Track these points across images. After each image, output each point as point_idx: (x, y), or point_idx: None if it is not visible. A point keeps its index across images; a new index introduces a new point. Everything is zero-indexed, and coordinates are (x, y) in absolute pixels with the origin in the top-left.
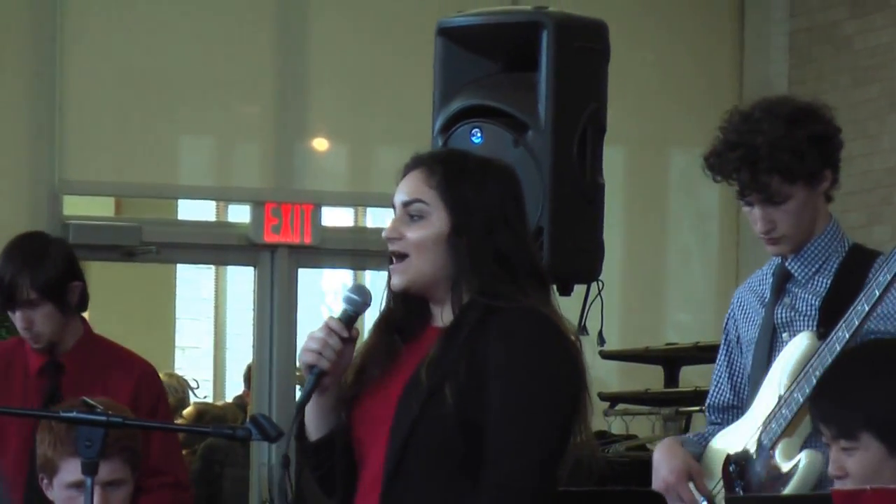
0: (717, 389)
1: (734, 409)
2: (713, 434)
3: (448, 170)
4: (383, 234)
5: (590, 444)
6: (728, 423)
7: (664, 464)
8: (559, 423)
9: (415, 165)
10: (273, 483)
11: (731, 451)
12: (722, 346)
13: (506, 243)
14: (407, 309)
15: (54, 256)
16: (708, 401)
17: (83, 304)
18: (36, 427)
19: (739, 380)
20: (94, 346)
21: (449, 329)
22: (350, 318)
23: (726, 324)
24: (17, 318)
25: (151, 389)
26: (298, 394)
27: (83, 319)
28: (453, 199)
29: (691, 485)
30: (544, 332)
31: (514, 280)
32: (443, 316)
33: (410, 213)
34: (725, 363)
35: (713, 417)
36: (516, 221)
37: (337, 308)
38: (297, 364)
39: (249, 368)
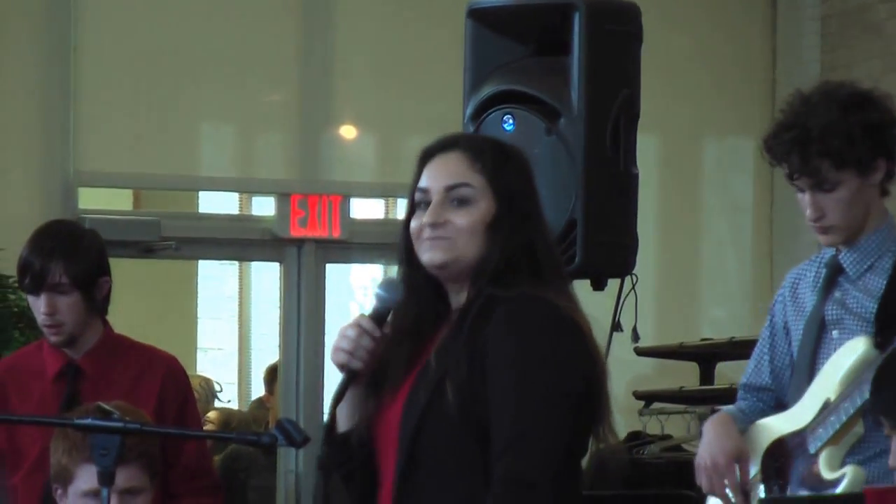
0: (756, 370)
1: (769, 392)
2: (755, 413)
3: (496, 155)
4: (424, 220)
5: (612, 443)
6: (762, 403)
7: (717, 443)
8: (569, 412)
9: (450, 148)
10: (309, 491)
11: (774, 442)
12: (767, 327)
13: (534, 233)
14: (420, 303)
15: (90, 246)
16: (744, 379)
17: (106, 303)
18: (50, 437)
19: (780, 364)
20: (114, 347)
21: (457, 319)
22: (381, 316)
23: (774, 306)
24: (41, 302)
25: (178, 386)
26: (328, 396)
27: (104, 321)
28: (502, 186)
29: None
30: (547, 318)
31: (535, 270)
32: (459, 301)
33: (455, 198)
34: (769, 345)
35: (746, 396)
36: (542, 212)
37: (368, 305)
38: (327, 363)
39: (269, 370)
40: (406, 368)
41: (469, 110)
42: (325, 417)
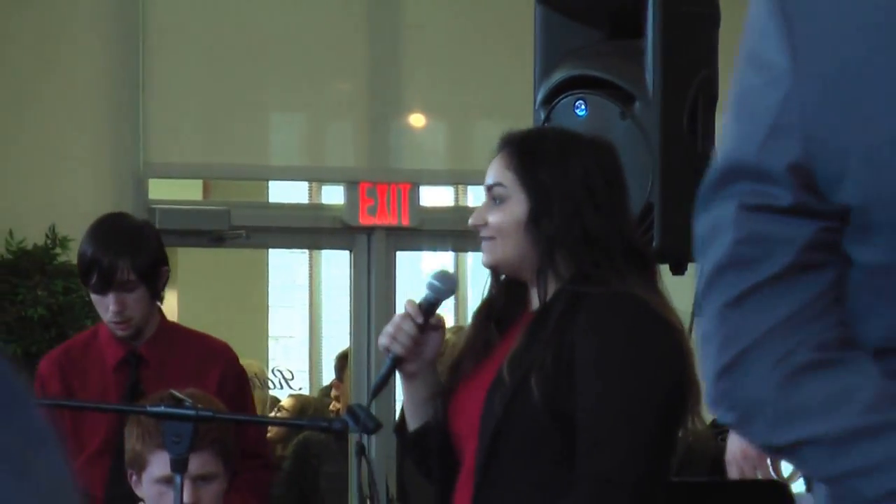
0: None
1: None
2: None
3: (524, 151)
4: (469, 222)
5: (700, 431)
6: None
7: None
8: (657, 412)
9: (500, 147)
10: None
11: None
12: None
13: (594, 223)
14: (508, 294)
15: (150, 238)
16: None
17: (163, 291)
18: (116, 424)
19: None
20: (173, 336)
21: (534, 320)
22: (430, 305)
23: None
24: (110, 300)
25: (236, 374)
26: (398, 383)
27: (160, 309)
28: (531, 182)
29: None
30: (637, 318)
31: (608, 262)
32: (536, 301)
33: (493, 197)
34: None
35: None
36: (606, 198)
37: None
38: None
39: (340, 358)
40: (488, 358)
41: (540, 96)
42: (370, 396)
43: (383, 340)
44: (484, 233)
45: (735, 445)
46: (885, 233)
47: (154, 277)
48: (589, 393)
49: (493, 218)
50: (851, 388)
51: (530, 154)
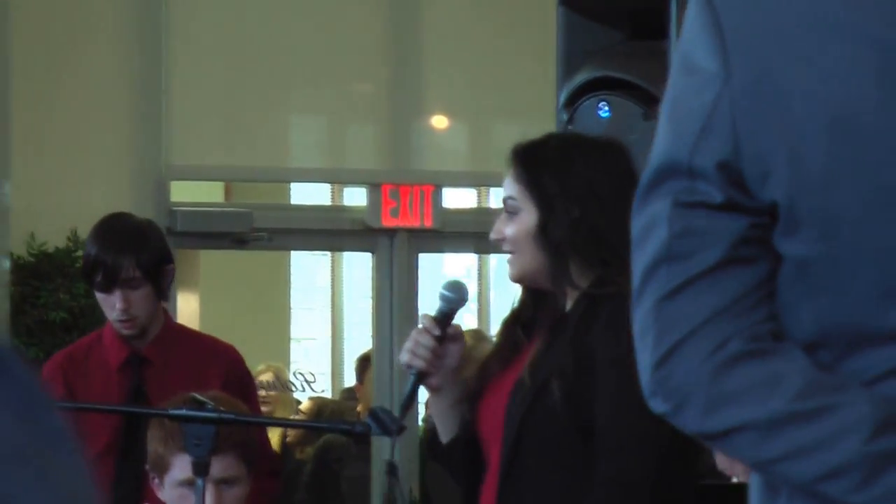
0: None
1: None
2: None
3: (527, 161)
4: (490, 237)
5: None
6: None
7: None
8: None
9: (509, 159)
10: (390, 487)
11: None
12: None
13: (601, 224)
14: (536, 302)
15: (154, 236)
16: None
17: (169, 290)
18: (120, 426)
19: None
20: (176, 337)
21: (555, 326)
22: (445, 316)
23: None
24: (115, 298)
25: (240, 376)
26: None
27: (165, 310)
28: (537, 192)
29: None
30: None
31: (618, 262)
32: (565, 306)
33: (508, 211)
34: None
35: None
36: (614, 199)
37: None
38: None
39: (361, 360)
40: (515, 364)
41: (562, 98)
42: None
43: (404, 357)
44: (504, 247)
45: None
46: (809, 226)
47: (159, 275)
48: (607, 396)
49: (509, 231)
50: (781, 376)
51: (534, 164)
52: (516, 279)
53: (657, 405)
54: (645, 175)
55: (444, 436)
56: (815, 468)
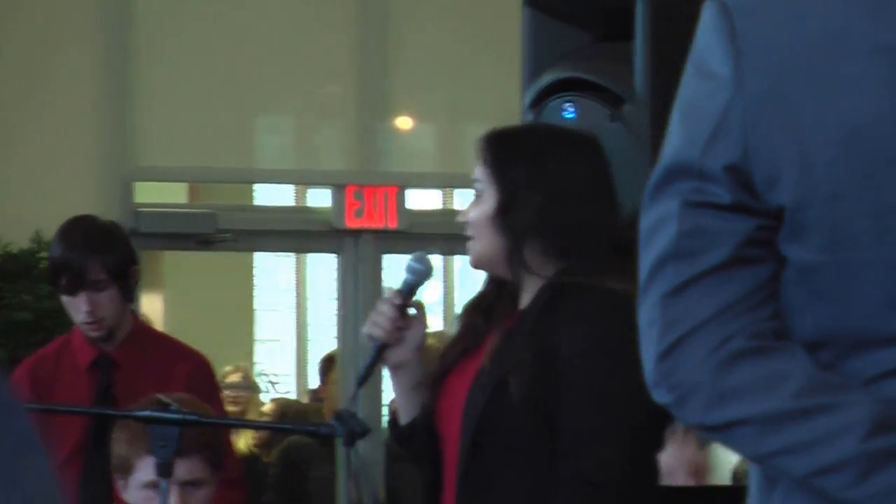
0: None
1: None
2: None
3: (497, 147)
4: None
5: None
6: None
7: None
8: (636, 410)
9: (479, 145)
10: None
11: None
12: None
13: (568, 217)
14: (500, 292)
15: (119, 238)
16: None
17: (135, 291)
18: (89, 428)
19: None
20: (145, 339)
21: (516, 318)
22: (409, 287)
23: None
24: (81, 301)
25: (205, 381)
26: (386, 386)
27: (133, 311)
28: (501, 176)
29: None
30: (619, 315)
31: (584, 256)
32: (522, 299)
33: (475, 195)
34: None
35: None
36: (584, 192)
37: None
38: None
39: (324, 361)
40: (476, 353)
41: (528, 99)
42: (356, 388)
43: (365, 328)
44: (468, 231)
45: (672, 457)
46: (816, 233)
47: (124, 277)
48: (571, 393)
49: (472, 214)
50: (783, 373)
51: (504, 148)
52: (475, 264)
53: (660, 396)
54: (655, 174)
55: (404, 416)
56: (811, 463)
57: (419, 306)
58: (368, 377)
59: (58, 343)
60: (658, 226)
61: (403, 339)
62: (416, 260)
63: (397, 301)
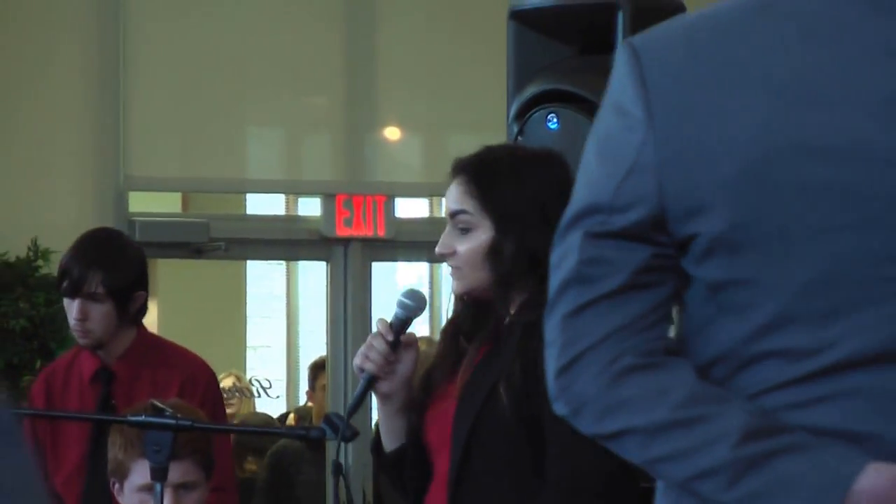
0: None
1: None
2: None
3: (484, 175)
4: (436, 250)
5: None
6: None
7: None
8: None
9: (456, 172)
10: (358, 485)
11: None
12: None
13: (543, 241)
14: (474, 310)
15: (131, 259)
16: None
17: (141, 313)
18: (93, 437)
19: None
20: (145, 350)
21: (500, 332)
22: (402, 323)
23: None
24: (73, 306)
25: (202, 390)
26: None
27: (139, 325)
28: (494, 207)
29: None
30: None
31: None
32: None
33: (459, 226)
34: None
35: None
36: (558, 212)
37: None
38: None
39: (313, 367)
40: (456, 373)
41: (513, 111)
42: (348, 409)
43: (357, 360)
44: (452, 262)
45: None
46: (722, 257)
47: (125, 298)
48: None
49: (462, 248)
50: (666, 387)
51: (490, 176)
52: (463, 293)
53: (559, 408)
54: (568, 212)
55: (389, 443)
56: (689, 469)
57: (411, 339)
58: (358, 407)
59: (70, 354)
60: (563, 257)
61: (394, 371)
62: (407, 296)
63: (389, 338)
